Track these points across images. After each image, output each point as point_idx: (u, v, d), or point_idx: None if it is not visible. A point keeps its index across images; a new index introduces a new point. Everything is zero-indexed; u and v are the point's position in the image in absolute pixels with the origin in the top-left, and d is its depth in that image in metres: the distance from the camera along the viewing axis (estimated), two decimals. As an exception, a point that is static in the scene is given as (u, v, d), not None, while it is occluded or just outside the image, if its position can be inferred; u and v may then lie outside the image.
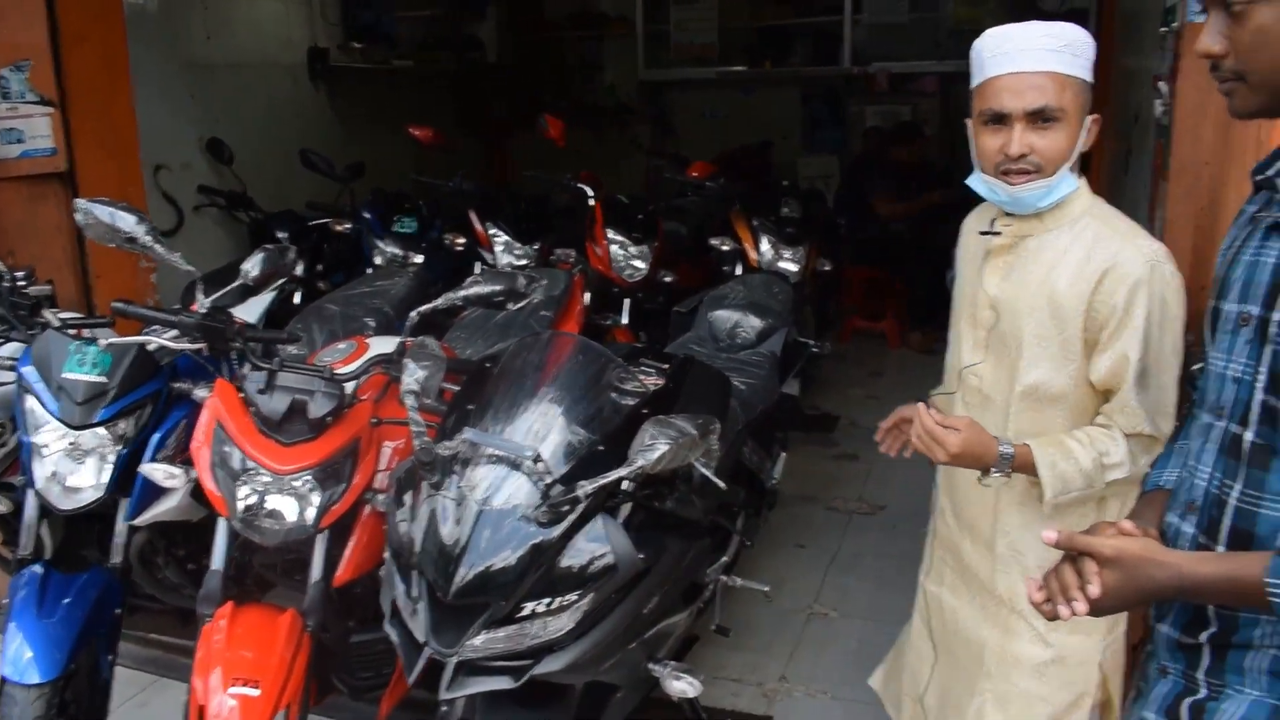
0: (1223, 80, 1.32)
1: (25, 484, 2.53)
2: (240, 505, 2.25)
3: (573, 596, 1.94)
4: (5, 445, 2.86)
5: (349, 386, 2.36)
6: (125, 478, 2.52)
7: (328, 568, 2.34)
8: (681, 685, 2.26)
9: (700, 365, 2.84)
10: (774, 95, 8.45)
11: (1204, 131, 2.14)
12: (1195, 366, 1.75)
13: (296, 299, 4.69)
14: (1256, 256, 1.32)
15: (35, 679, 2.32)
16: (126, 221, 2.46)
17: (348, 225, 5.22)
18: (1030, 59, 1.80)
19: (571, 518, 1.93)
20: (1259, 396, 1.29)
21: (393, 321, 3.37)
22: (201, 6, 5.51)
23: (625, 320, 4.79)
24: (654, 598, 2.15)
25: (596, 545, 1.95)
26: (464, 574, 1.89)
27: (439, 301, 2.40)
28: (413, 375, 2.08)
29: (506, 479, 1.97)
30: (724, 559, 2.98)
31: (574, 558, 1.94)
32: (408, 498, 2.06)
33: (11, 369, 2.58)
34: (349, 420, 2.34)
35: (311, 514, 2.25)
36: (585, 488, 1.89)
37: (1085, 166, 1.95)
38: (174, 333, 2.55)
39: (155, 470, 2.47)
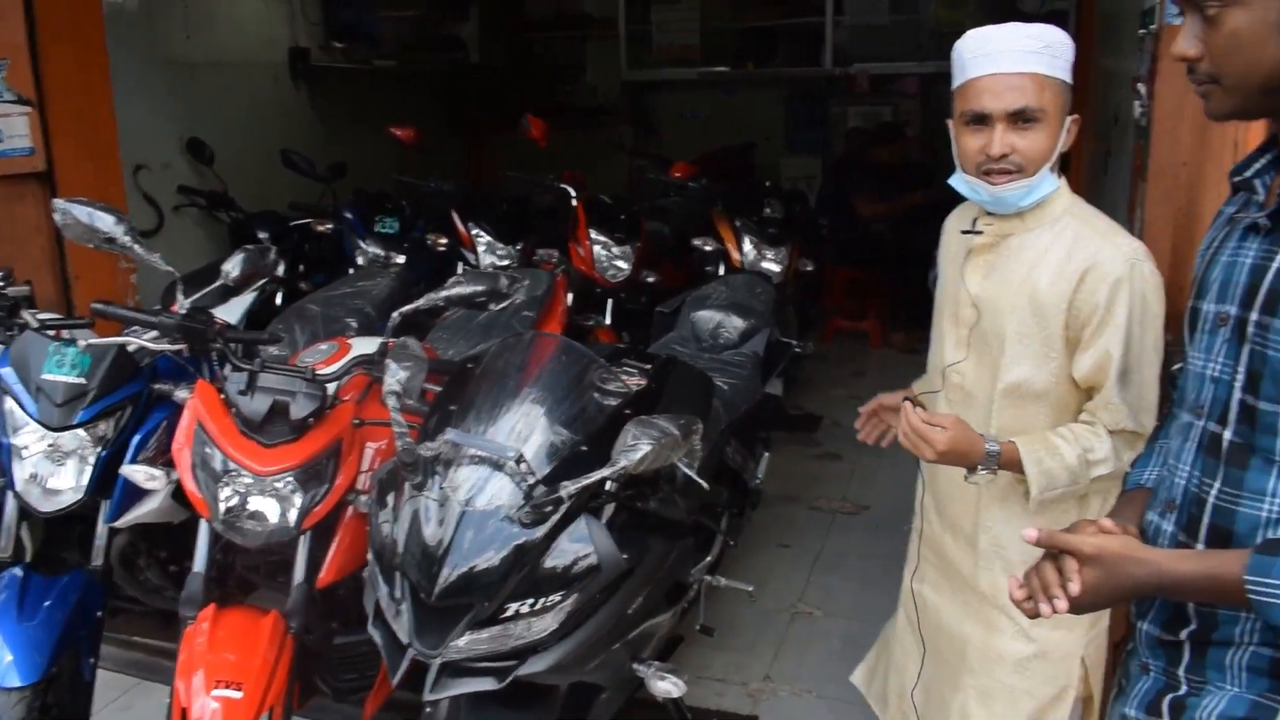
0: (1199, 83, 1.33)
1: (4, 486, 2.51)
2: (222, 507, 2.25)
3: (556, 597, 1.94)
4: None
5: (331, 387, 2.36)
6: (106, 479, 2.51)
7: (311, 569, 2.33)
8: (666, 685, 2.27)
9: (683, 365, 2.84)
10: (756, 96, 8.47)
11: (1182, 133, 2.15)
12: (1175, 366, 1.76)
13: (278, 300, 4.67)
14: (1234, 257, 1.34)
15: (16, 682, 2.30)
16: (105, 222, 2.45)
17: (329, 225, 5.20)
18: (1011, 60, 1.81)
19: (555, 518, 1.93)
20: (1237, 396, 1.30)
21: (375, 322, 3.36)
22: (181, 5, 5.48)
23: (608, 321, 4.79)
24: (638, 598, 2.15)
25: (580, 546, 1.95)
26: (447, 575, 1.89)
27: (421, 302, 2.39)
28: (395, 376, 2.08)
29: (489, 480, 1.97)
30: (708, 559, 2.98)
31: (557, 558, 1.94)
32: (390, 499, 2.05)
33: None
34: (331, 421, 2.33)
35: (293, 515, 2.25)
36: (568, 488, 1.89)
37: (1065, 167, 1.96)
38: (154, 334, 2.53)
39: (136, 472, 2.46)
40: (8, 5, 3.68)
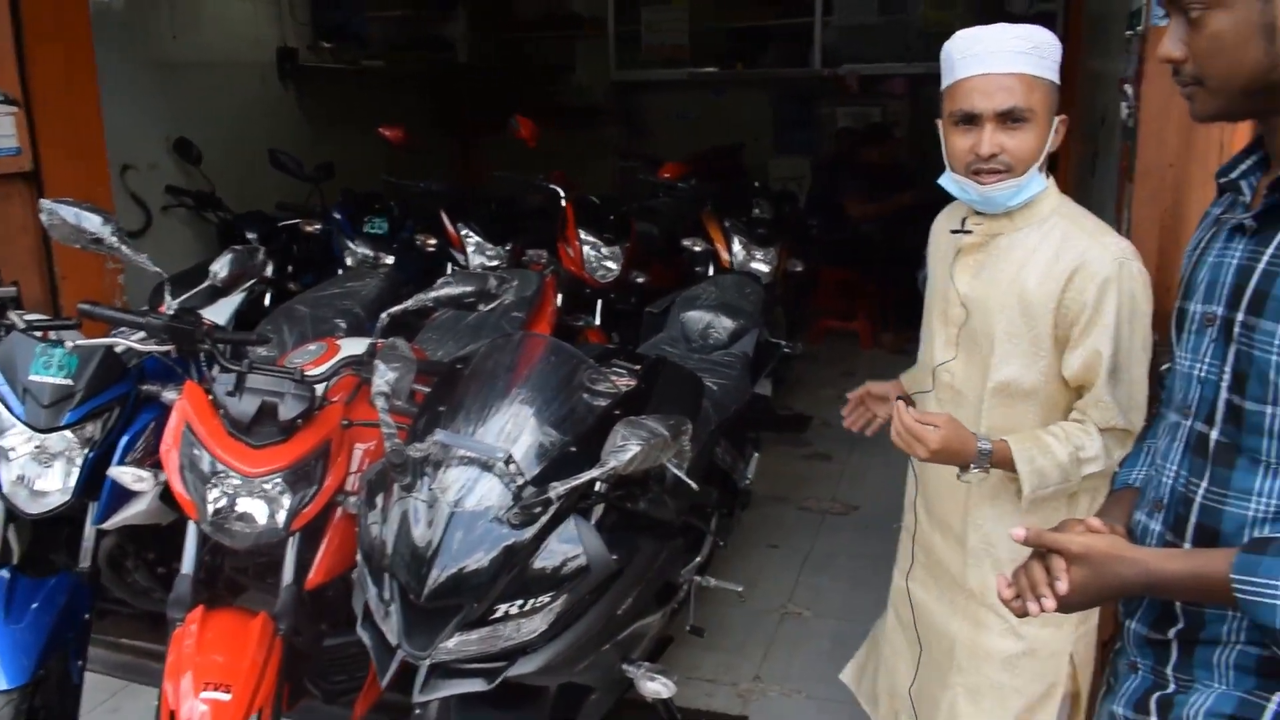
0: (1184, 85, 1.34)
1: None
2: (210, 508, 2.24)
3: (546, 598, 1.94)
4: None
5: (319, 388, 2.35)
6: (93, 481, 2.50)
7: (299, 571, 2.32)
8: (656, 686, 2.27)
9: (672, 366, 2.85)
10: (745, 96, 8.48)
11: (1168, 134, 2.16)
12: (1163, 367, 1.77)
13: (266, 300, 4.66)
14: (1221, 258, 1.34)
15: (3, 685, 2.28)
16: (92, 222, 2.44)
17: (318, 226, 5.20)
18: (1000, 61, 1.82)
19: (544, 519, 1.93)
20: (1224, 396, 1.31)
21: (363, 323, 3.35)
22: (168, 5, 5.46)
23: (597, 321, 4.79)
24: (627, 599, 2.15)
25: (569, 546, 1.95)
26: (436, 576, 1.89)
27: (410, 303, 2.39)
28: (383, 377, 2.07)
29: (478, 480, 1.97)
30: (697, 559, 2.98)
31: (547, 559, 1.94)
32: (379, 500, 2.05)
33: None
34: (319, 422, 2.33)
35: (282, 517, 2.24)
36: (557, 489, 1.89)
37: (1053, 168, 1.97)
38: (142, 334, 2.52)
39: (124, 473, 2.45)
40: (-7, 5, 3.66)
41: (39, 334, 2.57)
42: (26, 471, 2.45)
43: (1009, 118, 1.83)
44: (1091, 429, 1.89)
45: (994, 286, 1.94)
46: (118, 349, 2.55)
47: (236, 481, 2.23)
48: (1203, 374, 1.35)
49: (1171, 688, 1.37)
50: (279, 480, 2.24)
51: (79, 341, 2.51)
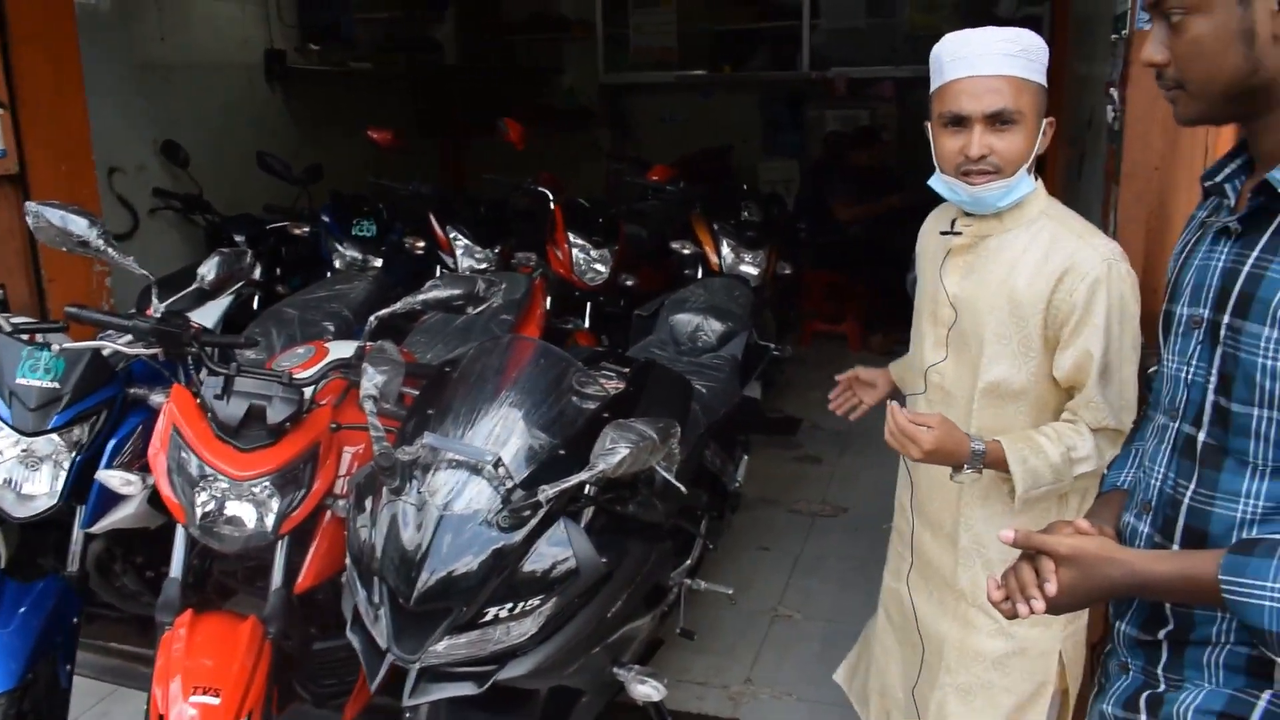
0: (1167, 88, 1.35)
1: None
2: (198, 512, 2.23)
3: (535, 601, 1.94)
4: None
5: (308, 391, 2.35)
6: (81, 485, 2.50)
7: (289, 574, 2.32)
8: (646, 689, 2.27)
9: (661, 369, 2.85)
10: (733, 99, 8.49)
11: (1153, 137, 2.17)
12: (1150, 369, 1.78)
13: (254, 303, 4.65)
14: (1206, 260, 1.35)
15: (-10, 689, 2.28)
16: (78, 225, 2.43)
17: (306, 228, 5.18)
18: (988, 63, 1.84)
19: (533, 522, 1.93)
20: (1211, 398, 1.31)
21: (352, 326, 3.34)
22: (155, 7, 5.44)
23: (586, 324, 4.79)
24: (617, 601, 2.15)
25: (559, 549, 1.95)
26: (426, 579, 1.88)
27: (398, 305, 2.39)
28: (372, 380, 2.07)
29: (467, 484, 1.97)
30: (687, 562, 2.99)
31: (536, 562, 1.94)
32: (368, 503, 2.05)
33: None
34: (308, 425, 2.33)
35: (271, 520, 2.24)
36: (546, 492, 1.89)
37: (1040, 170, 1.98)
38: (129, 338, 2.52)
39: (111, 477, 2.44)
40: (-22, 7, 3.65)
41: (25, 337, 2.56)
42: (13, 475, 2.45)
43: (998, 119, 1.84)
44: (1083, 429, 1.90)
45: (983, 288, 1.95)
46: (105, 352, 2.55)
47: (225, 485, 2.23)
48: (1190, 376, 1.35)
49: (1162, 687, 1.38)
50: (267, 484, 2.23)
51: (66, 344, 2.50)
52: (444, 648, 1.92)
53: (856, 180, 6.77)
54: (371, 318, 2.39)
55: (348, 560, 2.10)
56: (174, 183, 5.39)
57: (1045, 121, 1.89)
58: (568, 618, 2.02)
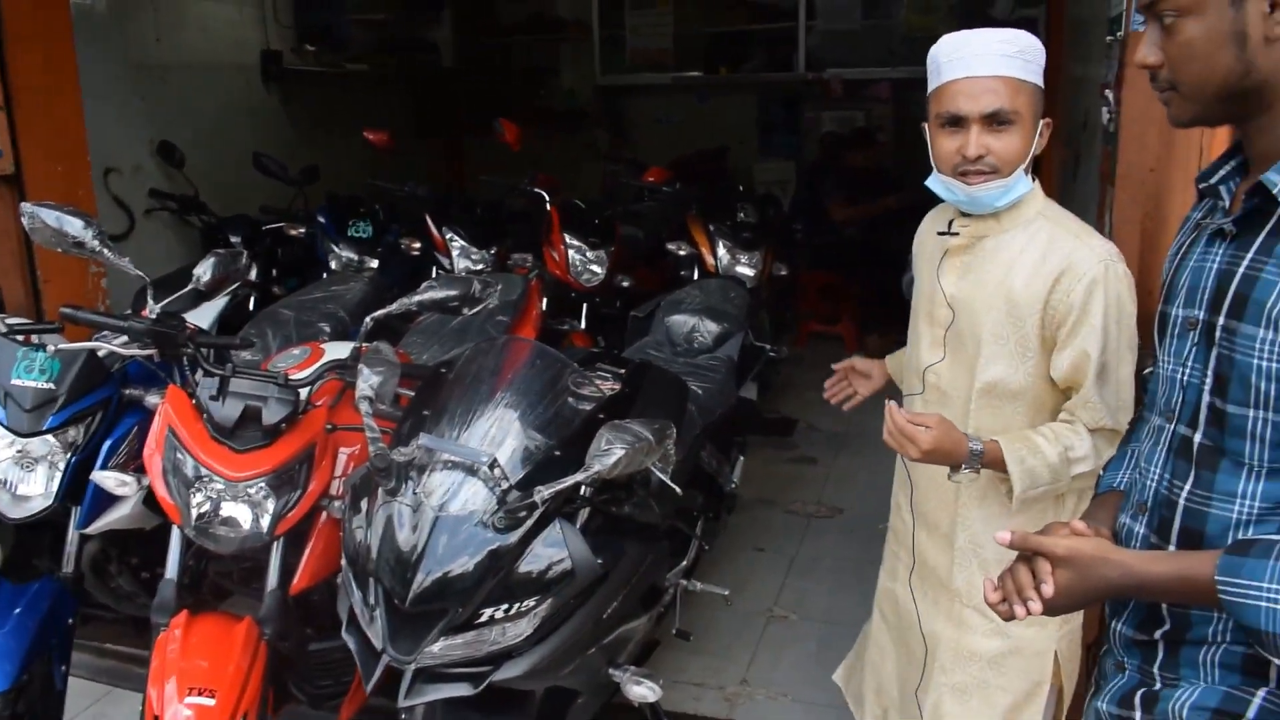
0: (1160, 90, 1.36)
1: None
2: (194, 513, 2.23)
3: (531, 602, 1.94)
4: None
5: (303, 392, 2.34)
6: (76, 486, 2.49)
7: (284, 576, 2.31)
8: (642, 690, 2.27)
9: (657, 370, 2.85)
10: (729, 101, 8.49)
11: (1149, 139, 2.18)
12: (1145, 370, 1.79)
13: (250, 304, 4.65)
14: (1201, 262, 1.35)
15: (-14, 691, 2.28)
16: (74, 226, 2.42)
17: (302, 230, 5.18)
18: (985, 64, 1.84)
19: (529, 523, 1.93)
20: (1206, 399, 1.32)
21: (348, 327, 3.35)
22: (151, 8, 5.43)
23: (582, 325, 4.79)
24: (613, 602, 2.15)
25: (554, 551, 1.95)
26: (421, 580, 1.88)
27: (394, 307, 2.38)
28: (368, 381, 2.07)
29: (463, 485, 1.97)
30: (683, 563, 2.98)
31: (532, 563, 1.94)
32: (364, 504, 2.05)
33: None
34: (303, 426, 2.32)
35: (266, 521, 2.23)
36: (542, 493, 1.89)
37: (1036, 172, 1.99)
38: (124, 339, 2.51)
39: (107, 478, 2.44)
40: (-26, 7, 3.64)
41: (21, 338, 2.56)
42: (8, 476, 2.44)
43: (994, 120, 1.85)
44: (1081, 429, 1.90)
45: (980, 288, 1.96)
46: (100, 353, 2.54)
47: (220, 486, 2.22)
48: (1185, 378, 1.36)
49: (1158, 685, 1.38)
50: (263, 485, 2.23)
51: (61, 345, 2.50)
52: (439, 649, 1.92)
53: (852, 181, 6.78)
54: (367, 319, 2.39)
55: (343, 561, 2.10)
56: (170, 183, 5.39)
57: (1042, 122, 1.90)
58: (563, 619, 2.02)
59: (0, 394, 2.44)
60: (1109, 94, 2.38)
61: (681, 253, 5.16)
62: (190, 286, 2.58)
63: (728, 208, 5.49)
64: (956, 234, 1.99)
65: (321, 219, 5.18)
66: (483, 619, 1.92)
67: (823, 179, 6.99)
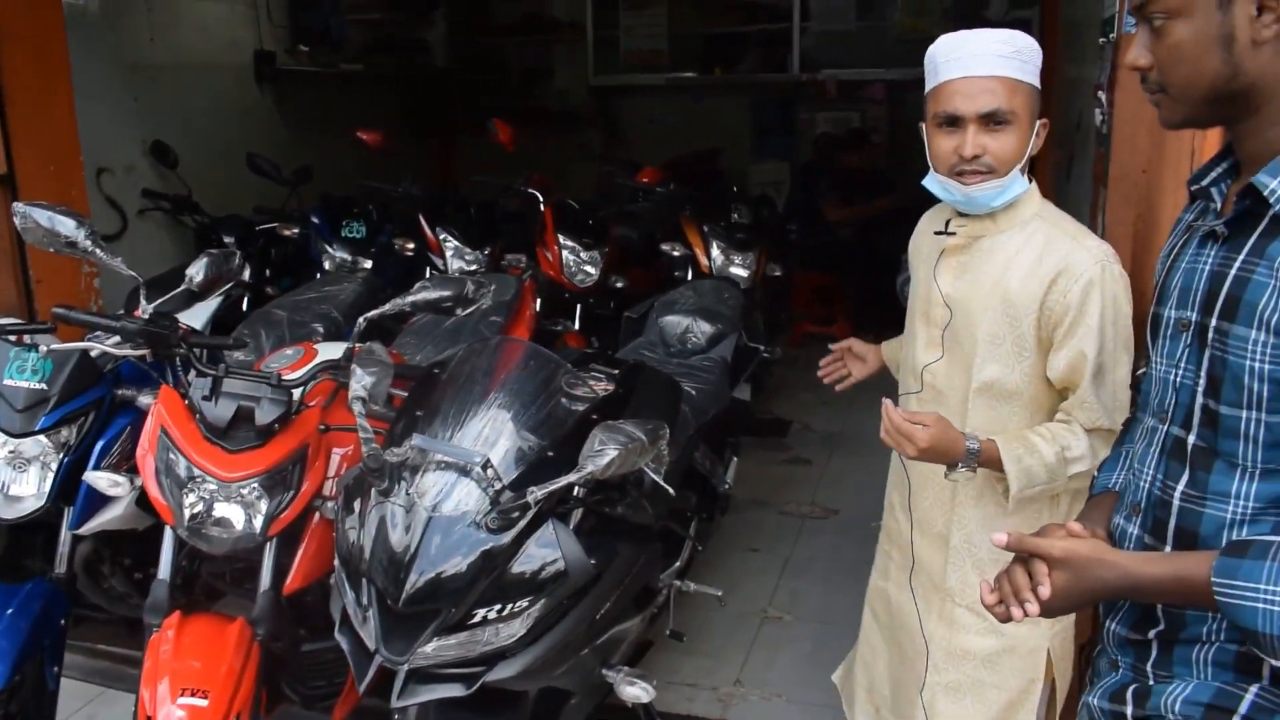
0: (1151, 92, 1.36)
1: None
2: (187, 513, 2.23)
3: (524, 603, 1.94)
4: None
5: (296, 393, 2.34)
6: (68, 486, 2.49)
7: (277, 576, 2.31)
8: (635, 690, 2.27)
9: (651, 370, 2.85)
10: (724, 101, 8.49)
11: (1140, 140, 2.18)
12: (1139, 372, 1.79)
13: (244, 305, 4.64)
14: (1193, 264, 1.36)
15: (-23, 692, 2.27)
16: (66, 226, 2.42)
17: (295, 230, 5.18)
18: (982, 64, 1.85)
19: (522, 524, 1.93)
20: (1199, 400, 1.32)
21: (341, 327, 3.34)
22: (144, 8, 5.43)
23: (576, 326, 4.79)
24: (606, 603, 2.16)
25: (547, 551, 1.95)
26: (414, 581, 1.88)
27: (387, 307, 2.38)
28: (361, 381, 2.07)
29: (456, 485, 1.96)
30: (677, 564, 2.99)
31: (525, 564, 1.94)
32: (357, 505, 2.04)
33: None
34: (296, 427, 2.32)
35: (259, 522, 2.23)
36: (535, 494, 1.89)
37: (1031, 172, 2.00)
38: (117, 339, 2.51)
39: (99, 478, 2.43)
40: (-35, 6, 3.63)
41: (13, 338, 2.55)
42: (1, 476, 2.43)
43: (991, 120, 1.85)
44: (1077, 429, 1.91)
45: (977, 288, 1.96)
46: (93, 353, 2.54)
47: (213, 486, 2.22)
48: (1178, 379, 1.36)
49: (1151, 683, 1.39)
50: (256, 485, 2.23)
51: (53, 345, 2.49)
52: (433, 649, 1.91)
53: (847, 182, 6.79)
54: (360, 319, 2.39)
55: (336, 562, 2.10)
56: (163, 184, 5.38)
57: (1039, 123, 1.90)
58: (557, 619, 2.02)
59: (-8, 394, 2.43)
60: (1101, 95, 2.39)
61: (675, 253, 5.16)
62: (183, 287, 2.57)
63: (722, 208, 5.49)
64: (953, 234, 2.00)
65: (315, 219, 5.18)
66: (476, 619, 1.92)
67: (817, 180, 7.00)
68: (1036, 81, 1.89)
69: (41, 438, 2.44)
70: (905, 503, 2.18)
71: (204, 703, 2.09)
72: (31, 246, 2.76)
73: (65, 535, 2.55)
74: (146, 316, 2.44)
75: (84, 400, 2.50)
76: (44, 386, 2.44)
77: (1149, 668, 1.40)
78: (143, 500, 2.42)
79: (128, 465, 2.52)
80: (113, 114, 5.05)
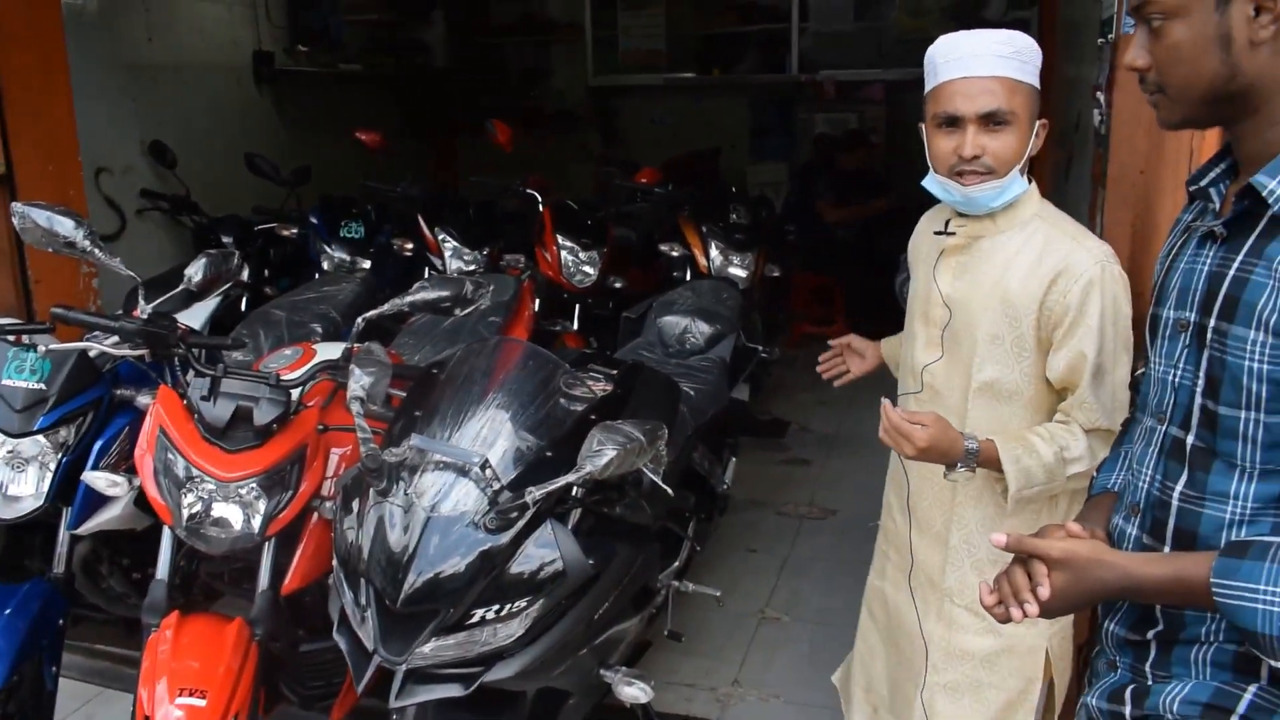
0: (1149, 93, 1.37)
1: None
2: (185, 513, 2.22)
3: (522, 603, 1.94)
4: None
5: (295, 393, 2.34)
6: (67, 486, 2.49)
7: (275, 576, 2.31)
8: (633, 691, 2.27)
9: (649, 371, 2.85)
10: (722, 102, 8.49)
11: (1139, 141, 2.18)
12: (1137, 372, 1.79)
13: (242, 305, 4.64)
14: (1192, 264, 1.36)
15: (-25, 692, 2.27)
16: (64, 226, 2.42)
17: (294, 230, 5.18)
18: (982, 64, 1.85)
19: (520, 524, 1.93)
20: (1198, 401, 1.32)
21: (340, 327, 3.34)
22: (143, 8, 5.43)
23: (575, 326, 4.79)
24: (604, 603, 2.16)
25: (546, 551, 1.95)
26: (413, 581, 1.88)
27: (386, 307, 2.38)
28: (359, 381, 2.07)
29: (454, 485, 1.96)
30: (675, 564, 2.99)
31: (523, 564, 1.94)
32: (355, 505, 2.04)
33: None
34: (295, 427, 2.32)
35: (257, 522, 2.23)
36: (534, 494, 1.89)
37: (1030, 173, 2.00)
38: (115, 339, 2.51)
39: (98, 478, 2.43)
40: (-36, 6, 3.64)
41: (11, 338, 2.55)
42: (-1, 477, 2.43)
43: (991, 120, 1.85)
44: (1076, 430, 1.91)
45: (977, 288, 1.97)
46: (91, 353, 2.54)
47: (211, 486, 2.22)
48: (1177, 379, 1.36)
49: (1149, 683, 1.39)
50: (254, 485, 2.23)
51: (52, 345, 2.49)
52: (431, 649, 1.91)
53: (845, 183, 6.79)
54: (359, 319, 2.39)
55: (334, 562, 2.10)
56: (161, 184, 5.38)
57: (1039, 123, 1.90)
58: (555, 619, 2.02)
59: (-9, 394, 2.43)
60: (1100, 96, 2.39)
61: (674, 254, 5.16)
62: (182, 287, 2.57)
63: (720, 209, 5.49)
64: (953, 234, 2.00)
65: (314, 219, 5.18)
66: (474, 620, 1.91)
67: (815, 180, 7.00)
68: (1036, 82, 1.89)
69: (40, 438, 2.44)
70: (904, 503, 2.18)
71: (202, 703, 2.09)
72: (30, 246, 2.76)
73: (63, 535, 2.55)
74: (145, 316, 2.44)
75: (82, 400, 2.50)
76: (42, 386, 2.44)
77: (1147, 668, 1.40)
78: (141, 500, 2.42)
79: (126, 465, 2.52)
80: (111, 114, 5.05)
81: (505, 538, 1.91)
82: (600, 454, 1.86)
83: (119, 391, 2.59)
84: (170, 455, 2.25)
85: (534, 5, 8.94)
